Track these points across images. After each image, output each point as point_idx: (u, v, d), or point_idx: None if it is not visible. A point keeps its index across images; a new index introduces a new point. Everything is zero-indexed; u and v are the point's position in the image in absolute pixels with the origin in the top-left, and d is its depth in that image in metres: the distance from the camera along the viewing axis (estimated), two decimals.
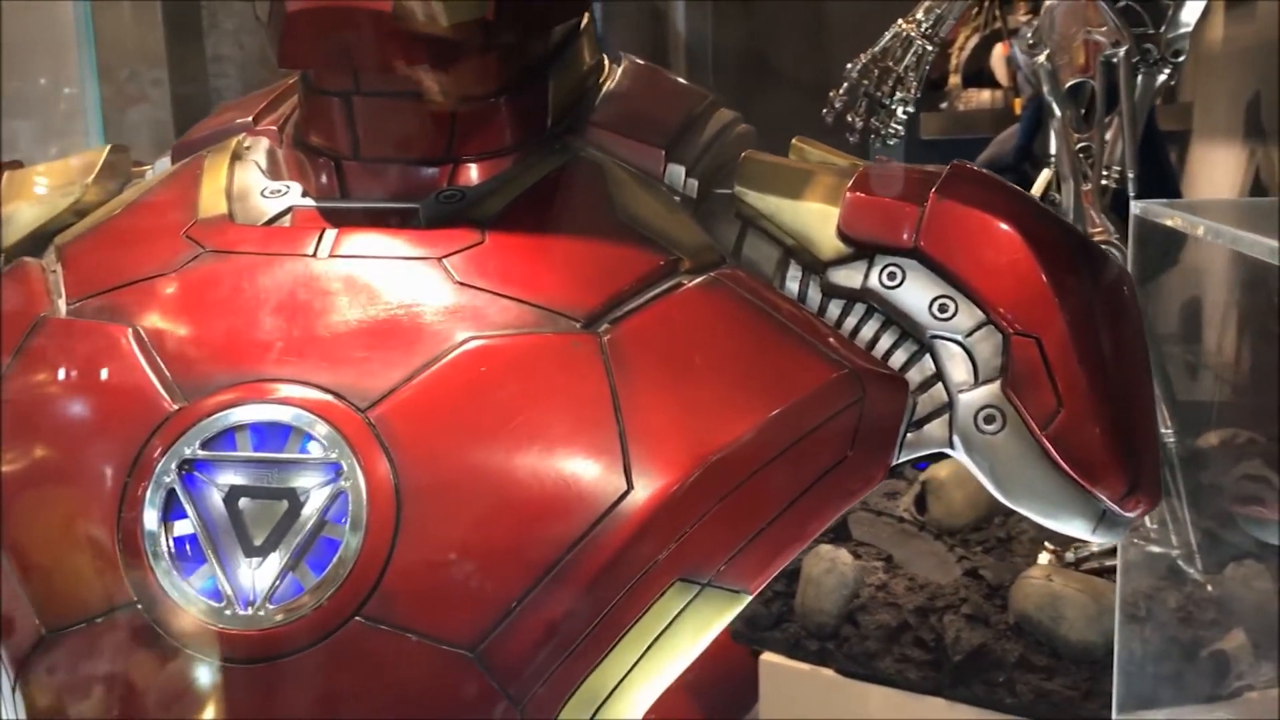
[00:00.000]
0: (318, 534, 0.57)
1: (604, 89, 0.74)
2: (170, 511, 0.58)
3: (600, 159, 0.69)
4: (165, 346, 0.61)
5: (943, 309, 0.64)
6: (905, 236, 0.65)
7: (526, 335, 0.60)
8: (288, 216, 0.67)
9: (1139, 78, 1.30)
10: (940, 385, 0.65)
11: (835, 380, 0.61)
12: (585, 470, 0.57)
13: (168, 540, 0.58)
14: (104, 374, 0.61)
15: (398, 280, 0.62)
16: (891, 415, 0.63)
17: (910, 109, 1.36)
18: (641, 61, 0.78)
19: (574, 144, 0.70)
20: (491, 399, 0.58)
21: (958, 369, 0.64)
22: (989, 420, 0.64)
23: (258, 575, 0.57)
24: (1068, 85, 1.30)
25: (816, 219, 0.67)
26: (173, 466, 0.58)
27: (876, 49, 1.35)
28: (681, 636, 0.59)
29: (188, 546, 0.58)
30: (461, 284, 0.61)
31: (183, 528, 0.58)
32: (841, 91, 1.37)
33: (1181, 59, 1.35)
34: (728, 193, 0.70)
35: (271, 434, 0.58)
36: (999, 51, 2.72)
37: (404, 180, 0.68)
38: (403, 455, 0.57)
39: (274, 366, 0.60)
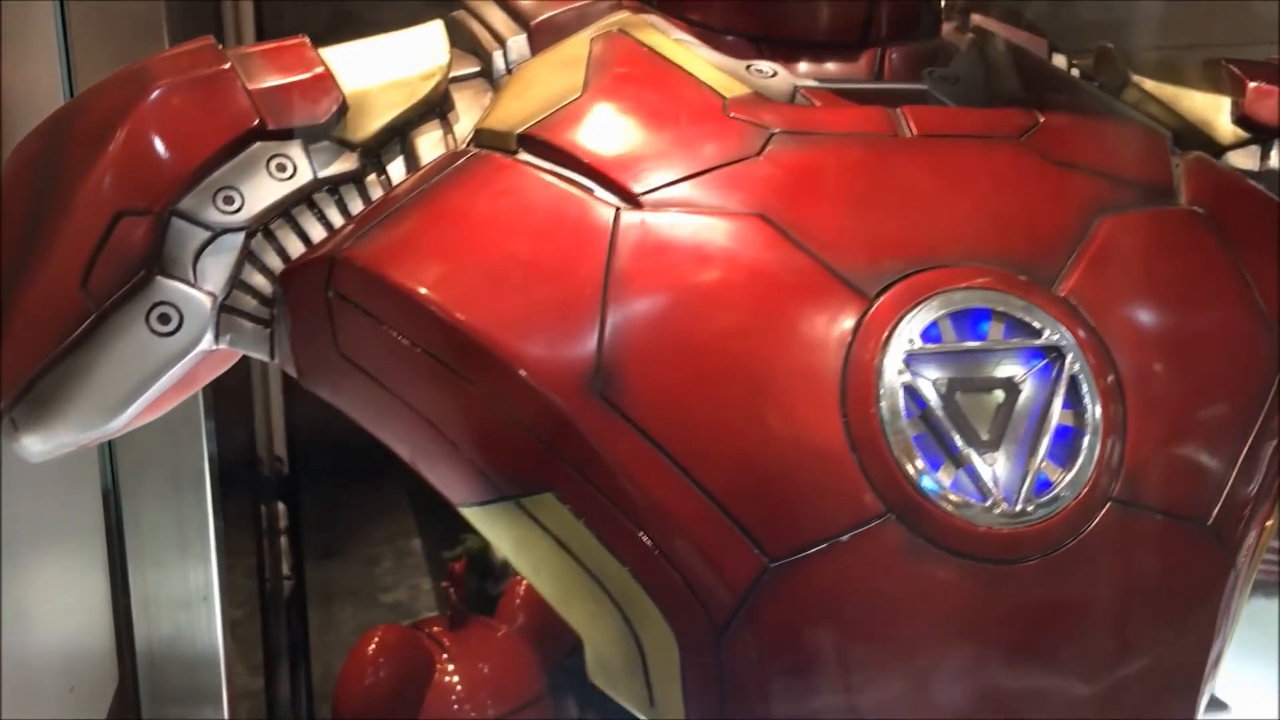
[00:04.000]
0: (1048, 423, 0.54)
1: None
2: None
3: (1020, 47, 0.70)
4: (809, 235, 0.55)
5: None
6: None
7: (1147, 211, 0.60)
8: (797, 97, 0.62)
9: None
10: None
11: None
12: (1251, 339, 0.59)
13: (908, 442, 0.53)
14: (763, 269, 0.54)
15: (997, 159, 0.60)
16: None
17: None
18: None
19: (976, 30, 0.70)
20: (1154, 271, 0.59)
21: None
22: None
23: (997, 469, 0.53)
24: None
25: (1210, 106, 0.72)
26: (900, 362, 0.53)
27: None
28: None
29: (924, 447, 0.53)
30: (1055, 162, 0.60)
31: (911, 427, 0.53)
32: None
33: None
34: (1087, 81, 0.73)
35: (967, 320, 0.55)
36: None
37: (832, 63, 0.65)
38: (1106, 331, 0.56)
39: (941, 251, 0.56)
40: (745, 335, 0.53)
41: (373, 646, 1.53)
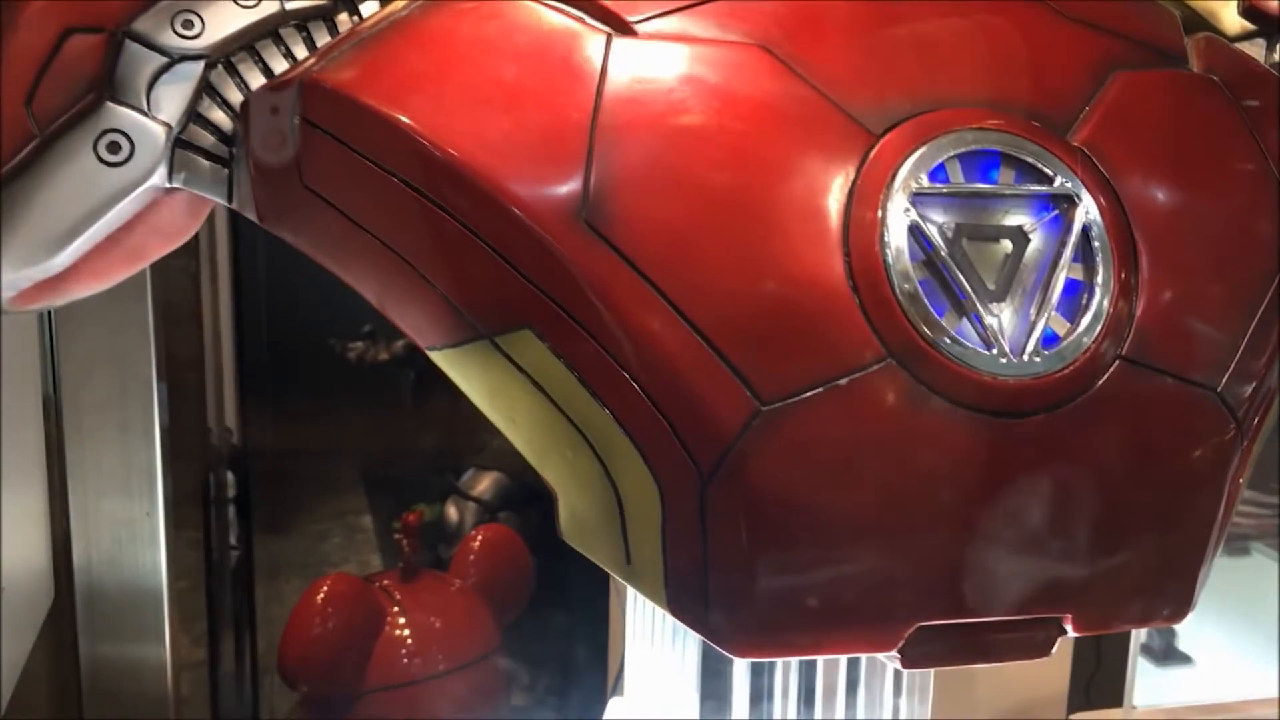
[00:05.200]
0: (1057, 274, 0.51)
1: None
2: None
3: None
4: (813, 70, 0.52)
5: None
6: None
7: (1163, 70, 0.58)
8: None
9: None
10: None
11: None
12: (1264, 205, 0.56)
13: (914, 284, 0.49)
14: (763, 100, 0.51)
15: (1009, 9, 0.57)
16: None
17: None
18: None
19: None
20: (1171, 129, 0.56)
21: None
22: None
23: (1003, 321, 0.50)
24: None
25: None
26: (907, 202, 0.49)
27: None
28: None
29: (928, 292, 0.50)
30: (1069, 18, 0.58)
31: (916, 271, 0.50)
32: None
33: None
34: None
35: (977, 164, 0.52)
36: None
37: None
38: (1120, 184, 0.53)
39: (951, 93, 0.53)
40: (742, 166, 0.49)
41: (321, 595, 1.49)
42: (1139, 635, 1.23)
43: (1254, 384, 0.54)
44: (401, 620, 1.55)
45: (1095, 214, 0.51)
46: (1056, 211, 0.52)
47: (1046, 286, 0.51)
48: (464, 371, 0.52)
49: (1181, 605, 0.54)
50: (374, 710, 1.50)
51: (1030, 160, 0.51)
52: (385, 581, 1.59)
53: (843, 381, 0.48)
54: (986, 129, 0.51)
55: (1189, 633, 1.30)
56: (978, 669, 1.37)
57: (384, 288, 0.53)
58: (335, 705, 1.51)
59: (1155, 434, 0.52)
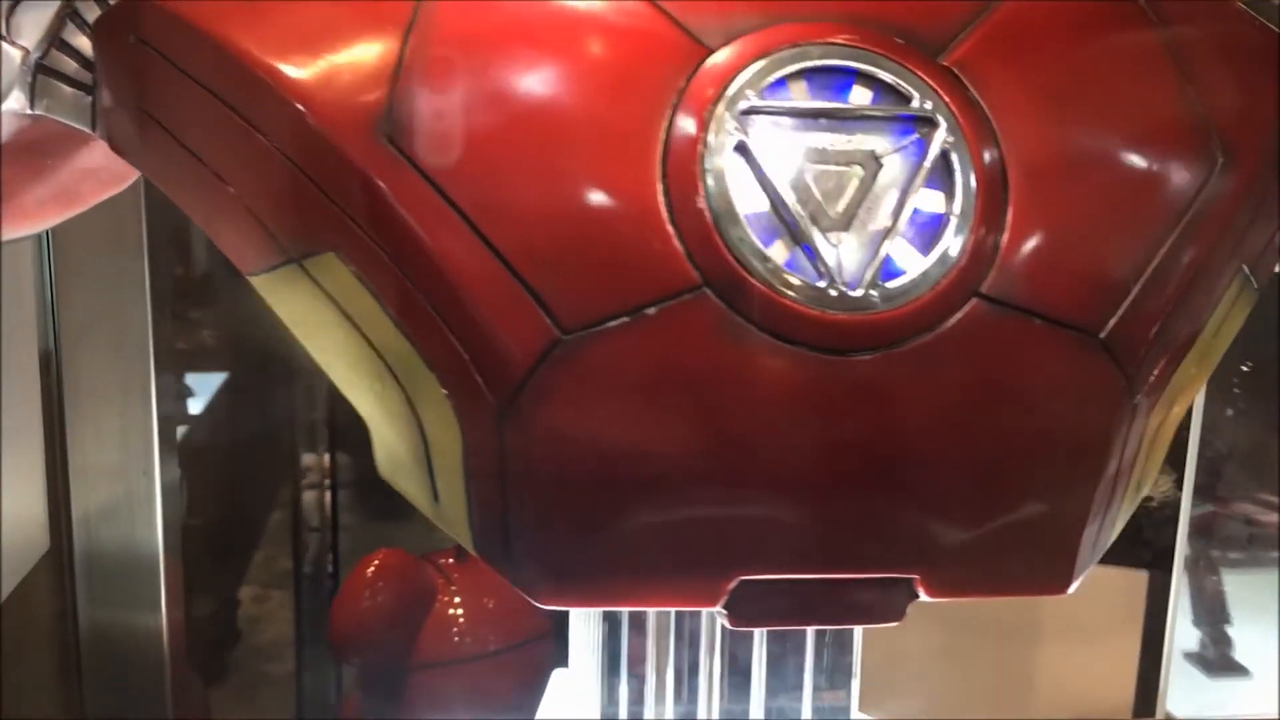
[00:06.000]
0: (908, 202, 0.46)
1: None
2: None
3: None
4: None
5: None
6: None
7: None
8: None
9: None
10: None
11: None
12: (1176, 141, 0.50)
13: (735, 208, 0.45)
14: (589, 13, 0.48)
15: None
16: None
17: None
18: None
19: None
20: (1064, 52, 0.51)
21: None
22: None
23: (843, 252, 0.46)
24: None
25: None
26: (735, 120, 0.45)
27: None
28: (1223, 337, 0.54)
29: (755, 217, 0.46)
30: None
31: (742, 195, 0.45)
32: None
33: None
34: None
35: (828, 83, 0.47)
36: None
37: None
38: (995, 110, 0.48)
39: (803, 6, 0.48)
40: (557, 80, 0.46)
41: (372, 569, 1.49)
42: (1174, 641, 1.15)
43: (1152, 331, 0.49)
44: (456, 599, 1.54)
45: (958, 137, 0.47)
46: (918, 135, 0.47)
47: (896, 215, 0.46)
48: (278, 297, 0.50)
49: (1060, 576, 0.49)
50: (425, 686, 1.50)
51: (888, 79, 0.47)
52: (441, 560, 1.58)
53: (650, 310, 0.44)
54: (836, 44, 0.47)
55: (1248, 643, 1.21)
56: (1039, 672, 1.30)
57: (210, 211, 0.51)
58: (390, 679, 1.51)
59: (1018, 381, 0.47)
